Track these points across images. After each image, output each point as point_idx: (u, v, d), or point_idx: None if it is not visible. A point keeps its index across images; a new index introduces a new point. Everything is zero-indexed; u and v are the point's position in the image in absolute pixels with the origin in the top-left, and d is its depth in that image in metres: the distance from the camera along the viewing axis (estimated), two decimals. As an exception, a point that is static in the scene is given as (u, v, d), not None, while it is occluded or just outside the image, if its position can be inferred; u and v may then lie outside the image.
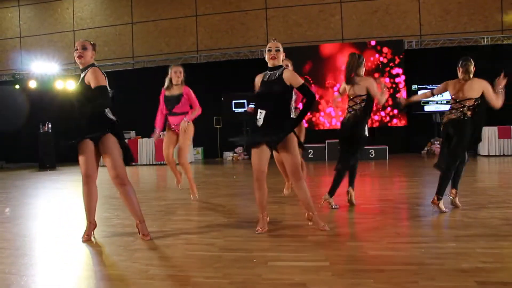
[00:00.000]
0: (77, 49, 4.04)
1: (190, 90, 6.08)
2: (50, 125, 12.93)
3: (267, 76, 4.17)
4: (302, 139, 5.52)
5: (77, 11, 16.04)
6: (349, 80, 5.26)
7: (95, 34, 15.79)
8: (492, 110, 4.90)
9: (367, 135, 5.27)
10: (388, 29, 13.74)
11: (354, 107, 5.27)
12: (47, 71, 14.58)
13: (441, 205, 4.84)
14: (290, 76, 4.06)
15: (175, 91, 6.03)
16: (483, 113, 4.98)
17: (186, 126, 5.92)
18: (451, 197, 5.08)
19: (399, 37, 13.43)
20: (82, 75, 4.08)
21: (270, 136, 4.01)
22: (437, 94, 5.43)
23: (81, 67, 4.09)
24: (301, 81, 4.06)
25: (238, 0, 14.70)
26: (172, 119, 6.10)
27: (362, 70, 5.30)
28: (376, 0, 13.85)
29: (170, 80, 6.06)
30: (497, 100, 4.80)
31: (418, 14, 13.61)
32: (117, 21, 15.66)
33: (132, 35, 15.54)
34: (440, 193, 4.82)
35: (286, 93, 4.09)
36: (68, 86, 14.54)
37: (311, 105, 4.08)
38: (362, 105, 5.23)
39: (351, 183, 5.47)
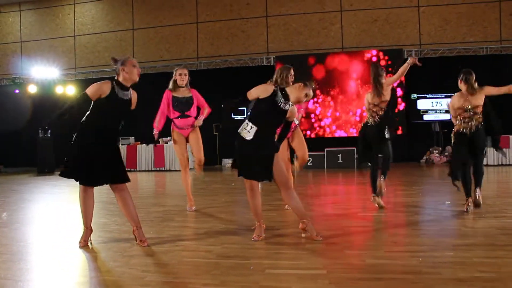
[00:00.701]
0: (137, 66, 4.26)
1: (196, 91, 6.09)
2: (49, 130, 12.92)
3: (281, 102, 4.09)
4: (305, 150, 5.63)
5: (78, 16, 16.10)
6: (376, 89, 5.60)
7: (95, 40, 15.84)
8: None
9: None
10: (388, 38, 13.80)
11: (379, 112, 5.60)
12: (47, 76, 14.60)
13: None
14: (292, 112, 4.21)
15: (183, 93, 5.94)
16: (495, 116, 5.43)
17: (200, 123, 5.99)
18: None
19: (399, 46, 13.49)
20: (125, 93, 4.17)
21: (262, 151, 4.06)
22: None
23: (128, 84, 4.21)
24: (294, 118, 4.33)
25: (239, 8, 14.76)
26: (181, 122, 5.97)
27: (384, 78, 5.65)
28: (376, 9, 13.91)
29: (175, 82, 5.93)
30: (499, 90, 5.21)
31: (418, 24, 13.67)
32: (118, 27, 15.71)
33: (133, 41, 15.58)
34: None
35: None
36: (68, 91, 14.57)
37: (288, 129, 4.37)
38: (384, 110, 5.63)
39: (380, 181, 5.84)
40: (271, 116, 4.09)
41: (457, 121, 5.42)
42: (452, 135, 5.54)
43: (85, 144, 4.01)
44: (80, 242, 4.14)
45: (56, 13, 16.32)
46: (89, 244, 4.16)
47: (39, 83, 14.56)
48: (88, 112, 4.09)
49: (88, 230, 4.19)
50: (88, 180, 4.07)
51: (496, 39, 13.21)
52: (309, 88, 4.09)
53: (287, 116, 4.16)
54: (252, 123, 4.10)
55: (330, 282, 2.95)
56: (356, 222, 4.96)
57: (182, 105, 5.91)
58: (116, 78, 4.16)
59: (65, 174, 4.09)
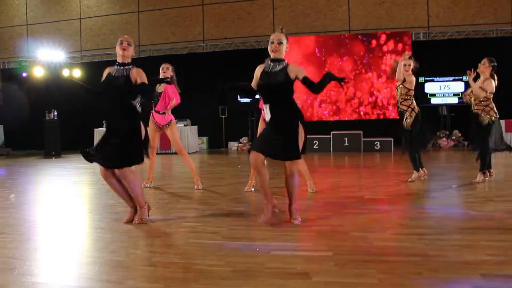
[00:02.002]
0: (122, 43, 4.20)
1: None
2: (56, 113, 12.94)
3: (269, 68, 4.08)
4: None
5: (84, -2, 16.00)
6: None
7: (101, 23, 15.76)
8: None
9: None
10: (396, 20, 13.60)
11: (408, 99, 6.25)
12: (53, 59, 14.57)
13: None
14: (296, 69, 4.03)
15: (160, 87, 6.30)
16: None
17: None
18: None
19: (407, 29, 13.30)
20: (121, 69, 4.20)
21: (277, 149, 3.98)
22: None
23: (121, 60, 4.21)
24: (305, 73, 4.00)
25: (245, -11, 14.60)
26: (158, 116, 6.40)
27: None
28: (385, -10, 13.71)
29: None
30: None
31: (426, 5, 13.45)
32: (124, 10, 15.60)
33: (139, 23, 15.48)
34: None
35: (288, 85, 4.01)
36: (74, 74, 14.54)
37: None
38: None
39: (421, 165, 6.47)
40: (265, 81, 4.05)
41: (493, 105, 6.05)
42: (492, 119, 6.04)
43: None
44: (131, 220, 4.25)
45: (61, -5, 16.22)
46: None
47: (45, 66, 14.53)
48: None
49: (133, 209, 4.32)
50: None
51: (507, 21, 12.96)
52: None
53: (289, 72, 3.98)
54: (264, 103, 4.09)
55: (336, 264, 2.95)
56: (363, 204, 4.94)
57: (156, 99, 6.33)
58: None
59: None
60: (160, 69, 6.38)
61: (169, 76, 6.22)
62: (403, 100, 6.28)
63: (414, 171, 6.45)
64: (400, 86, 6.26)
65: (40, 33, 16.18)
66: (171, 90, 6.32)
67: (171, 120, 6.41)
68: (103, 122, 13.66)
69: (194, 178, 6.37)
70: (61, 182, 7.73)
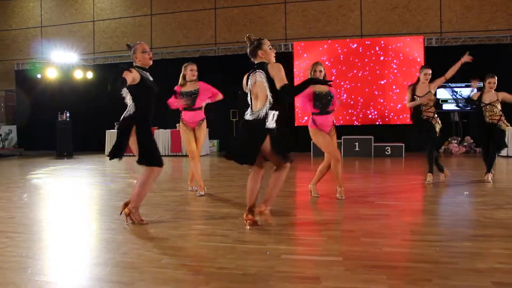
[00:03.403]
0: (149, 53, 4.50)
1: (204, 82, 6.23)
2: (68, 114, 13.08)
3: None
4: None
5: (98, 1, 16.17)
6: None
7: (114, 25, 15.91)
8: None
9: None
10: (408, 26, 13.57)
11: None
12: (67, 61, 14.74)
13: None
14: (272, 67, 3.97)
15: (189, 87, 6.14)
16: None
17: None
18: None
19: (419, 34, 13.24)
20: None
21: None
22: None
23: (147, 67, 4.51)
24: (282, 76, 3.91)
25: (257, -6, 14.66)
26: (187, 114, 6.17)
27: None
28: (397, -4, 13.67)
29: (184, 77, 6.16)
30: None
31: (439, 11, 13.40)
32: (137, 12, 15.75)
33: (151, 26, 15.61)
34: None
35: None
36: (87, 75, 14.69)
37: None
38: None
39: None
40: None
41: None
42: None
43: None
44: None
45: (75, -2, 16.42)
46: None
47: (59, 68, 14.71)
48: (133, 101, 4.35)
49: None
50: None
51: (521, 27, 12.88)
52: None
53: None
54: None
55: (346, 269, 2.95)
56: (373, 210, 4.93)
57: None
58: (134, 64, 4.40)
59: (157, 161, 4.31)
60: (189, 70, 6.12)
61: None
62: (429, 107, 6.76)
63: (429, 173, 6.81)
64: (427, 94, 6.69)
65: (54, 35, 16.39)
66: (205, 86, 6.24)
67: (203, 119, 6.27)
68: (115, 124, 13.80)
69: (199, 182, 6.18)
70: (73, 182, 7.81)
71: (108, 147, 13.55)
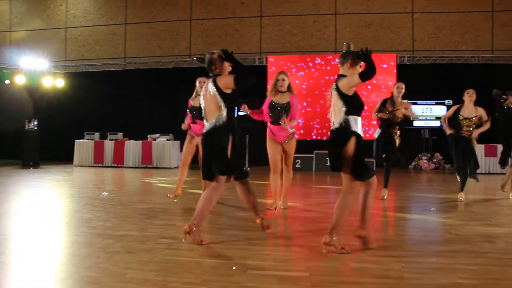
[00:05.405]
0: None
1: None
2: (36, 122, 12.77)
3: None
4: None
5: (71, 8, 15.93)
6: None
7: (87, 33, 15.69)
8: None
9: None
10: (382, 43, 13.83)
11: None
12: (36, 67, 14.42)
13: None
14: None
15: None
16: None
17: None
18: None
19: (392, 52, 13.53)
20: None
21: None
22: None
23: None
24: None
25: (233, 7, 14.72)
26: (195, 127, 6.37)
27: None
28: (371, 13, 13.95)
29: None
30: None
31: (412, 30, 13.74)
32: (111, 21, 15.57)
33: (125, 35, 15.47)
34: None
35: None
36: (57, 83, 14.41)
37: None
38: None
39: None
40: None
41: None
42: None
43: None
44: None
45: (48, 4, 16.13)
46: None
47: (28, 74, 14.37)
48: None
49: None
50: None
51: (488, 49, 13.31)
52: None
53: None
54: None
55: (312, 284, 2.94)
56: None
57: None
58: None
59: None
60: (198, 82, 6.40)
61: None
62: (396, 123, 6.74)
63: (385, 188, 6.89)
64: (396, 110, 6.67)
65: (24, 40, 16.02)
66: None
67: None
68: (84, 133, 13.57)
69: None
70: (38, 193, 7.59)
71: (77, 157, 13.28)
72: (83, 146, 13.39)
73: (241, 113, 11.64)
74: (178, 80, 12.98)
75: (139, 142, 13.05)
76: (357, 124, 3.84)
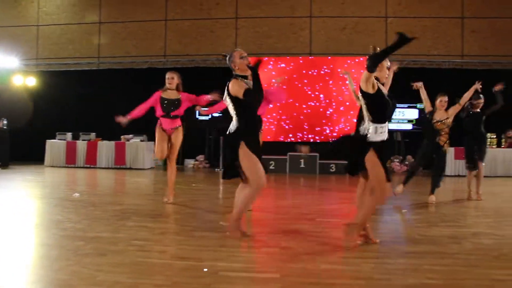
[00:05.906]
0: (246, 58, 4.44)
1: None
2: (5, 122, 12.47)
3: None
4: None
5: (43, 5, 15.60)
6: None
7: (60, 31, 15.41)
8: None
9: None
10: (356, 46, 14.00)
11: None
12: (6, 65, 14.08)
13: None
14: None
15: (171, 95, 6.39)
16: None
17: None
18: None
19: (366, 55, 13.70)
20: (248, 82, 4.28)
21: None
22: None
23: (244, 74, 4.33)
24: None
25: (209, 8, 14.68)
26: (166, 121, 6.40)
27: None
28: (345, 17, 14.13)
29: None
30: None
31: (385, 34, 13.97)
32: (84, 20, 15.33)
33: (99, 35, 15.25)
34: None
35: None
36: (27, 82, 14.11)
37: None
38: None
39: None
40: None
41: None
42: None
43: None
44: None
45: (19, 0, 15.78)
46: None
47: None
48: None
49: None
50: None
51: (458, 54, 13.66)
52: None
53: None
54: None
55: (283, 286, 2.96)
56: (313, 227, 5.00)
57: (170, 106, 6.33)
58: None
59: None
60: (166, 79, 6.46)
61: (177, 84, 6.46)
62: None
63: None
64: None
65: (-7, 37, 15.62)
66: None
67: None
68: (56, 133, 13.31)
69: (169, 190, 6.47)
70: (7, 194, 7.41)
71: (48, 158, 13.02)
72: (54, 146, 13.14)
73: (215, 114, 11.64)
74: (153, 80, 12.81)
75: (112, 142, 12.90)
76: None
